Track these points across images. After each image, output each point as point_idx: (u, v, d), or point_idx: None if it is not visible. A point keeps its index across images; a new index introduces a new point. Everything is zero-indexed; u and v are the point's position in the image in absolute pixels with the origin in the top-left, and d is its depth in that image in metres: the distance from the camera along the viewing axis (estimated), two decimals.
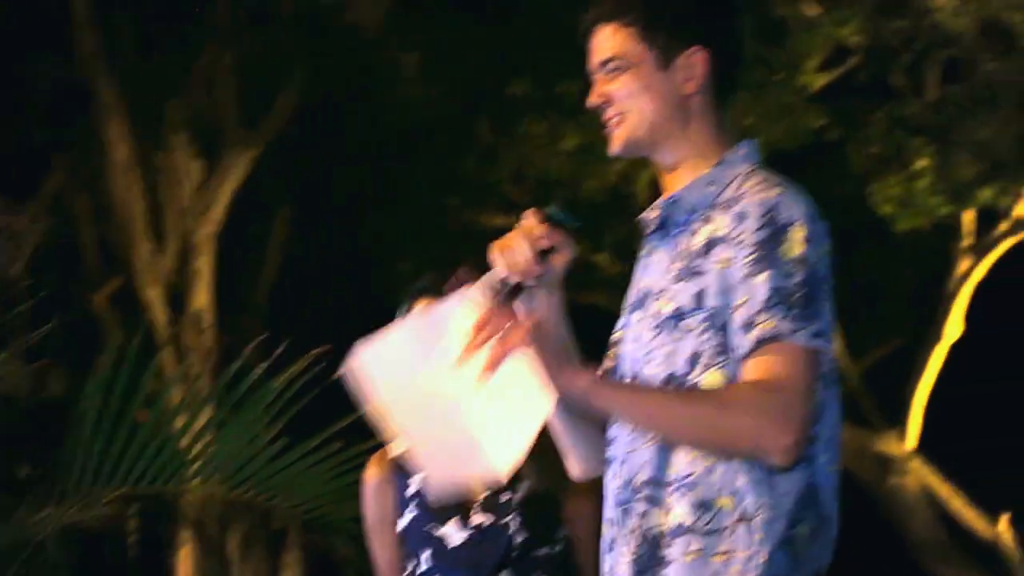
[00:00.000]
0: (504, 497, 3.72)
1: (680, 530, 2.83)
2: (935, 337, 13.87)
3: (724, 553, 2.80)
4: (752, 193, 2.87)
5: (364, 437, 4.50)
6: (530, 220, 2.97)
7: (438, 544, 3.74)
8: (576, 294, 13.73)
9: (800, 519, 2.82)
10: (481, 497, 3.74)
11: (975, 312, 13.88)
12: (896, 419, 14.16)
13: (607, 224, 13.29)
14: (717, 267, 2.85)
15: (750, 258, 2.81)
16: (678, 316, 2.87)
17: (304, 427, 4.71)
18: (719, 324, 2.83)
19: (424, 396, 2.80)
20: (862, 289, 15.75)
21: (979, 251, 13.72)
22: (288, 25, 13.17)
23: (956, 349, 13.96)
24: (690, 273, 2.88)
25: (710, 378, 2.83)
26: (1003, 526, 13.90)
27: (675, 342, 2.87)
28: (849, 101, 13.66)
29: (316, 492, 4.61)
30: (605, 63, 2.97)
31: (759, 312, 2.79)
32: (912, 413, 13.99)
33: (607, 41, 2.98)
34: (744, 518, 2.80)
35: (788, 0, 12.80)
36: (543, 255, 2.97)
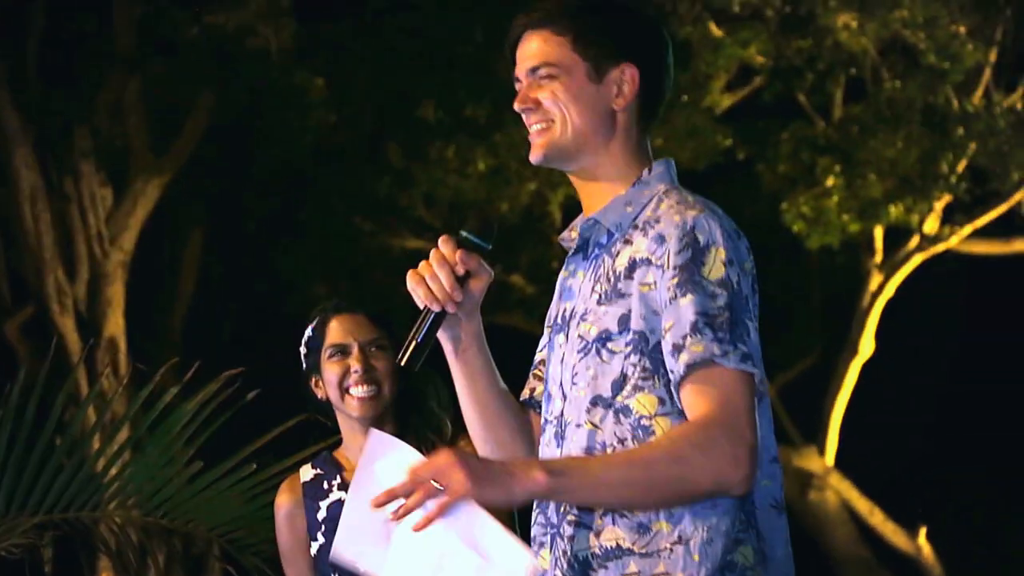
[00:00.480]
0: None
1: (616, 552, 2.81)
2: (850, 353, 13.99)
3: (661, 574, 2.79)
4: (670, 215, 2.86)
5: (277, 458, 4.50)
6: (445, 247, 2.94)
7: (347, 571, 3.73)
8: (492, 316, 13.77)
9: (740, 540, 2.81)
10: None
11: (886, 328, 14.03)
12: (813, 435, 14.28)
13: (521, 245, 13.32)
14: (641, 290, 2.83)
15: (673, 281, 2.80)
16: (603, 339, 2.86)
17: (218, 450, 4.70)
18: (645, 347, 2.82)
19: (410, 552, 2.73)
20: (775, 307, 15.87)
21: (890, 267, 13.88)
22: (194, 50, 13.12)
23: (868, 365, 14.10)
24: (614, 295, 2.87)
25: (639, 400, 2.82)
26: (922, 539, 14.05)
27: (600, 364, 2.86)
28: (755, 121, 13.79)
29: (232, 515, 4.58)
30: (535, 69, 2.95)
31: (686, 336, 2.77)
32: (830, 429, 14.11)
33: (539, 47, 2.95)
34: (682, 539, 2.79)
35: (693, 21, 12.90)
36: (461, 281, 2.94)
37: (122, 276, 12.89)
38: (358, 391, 3.76)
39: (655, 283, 2.82)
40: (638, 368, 2.82)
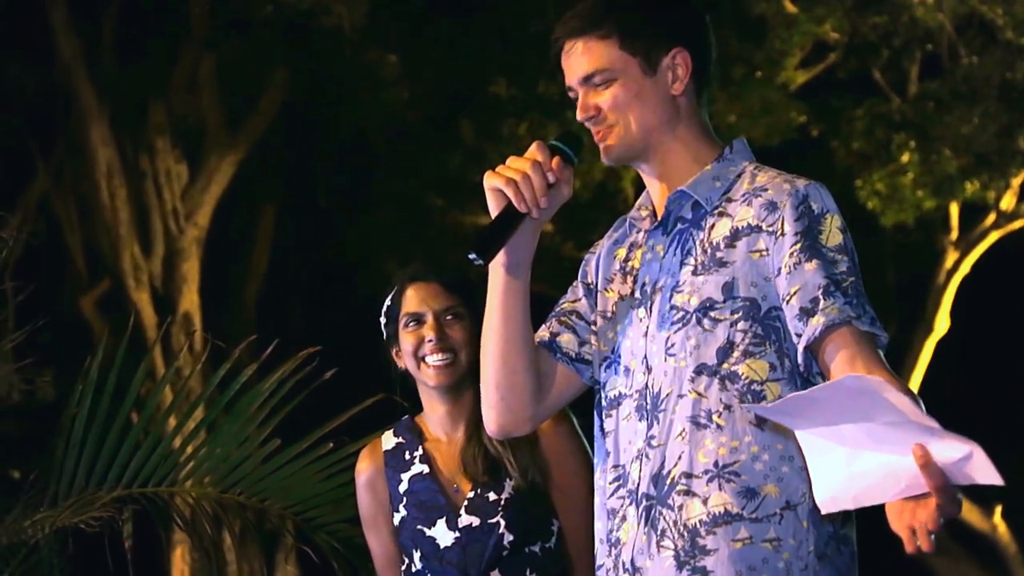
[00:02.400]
0: (491, 497, 3.69)
1: (725, 517, 2.83)
2: (925, 330, 13.92)
3: (772, 540, 2.81)
4: (777, 184, 2.90)
5: (355, 438, 4.51)
6: (541, 153, 2.93)
7: (429, 544, 3.72)
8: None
9: (849, 515, 2.86)
10: (467, 499, 3.72)
11: (961, 306, 13.94)
12: None
13: (594, 221, 13.31)
14: (751, 256, 2.86)
15: (796, 247, 2.83)
16: (706, 308, 2.87)
17: (295, 428, 4.72)
18: (756, 313, 2.85)
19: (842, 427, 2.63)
20: None
21: (966, 245, 13.78)
22: (268, 28, 13.18)
23: (943, 342, 14.02)
24: (714, 265, 2.88)
25: (749, 366, 2.85)
26: (997, 518, 13.97)
27: (703, 333, 2.87)
28: (830, 98, 13.70)
29: (308, 493, 4.60)
30: (589, 77, 2.95)
31: (817, 299, 2.80)
32: None
33: (586, 56, 2.95)
34: (790, 505, 2.82)
35: None
36: (549, 188, 2.93)
37: (197, 252, 12.99)
38: (433, 359, 3.73)
39: (766, 249, 2.86)
40: (748, 334, 2.85)
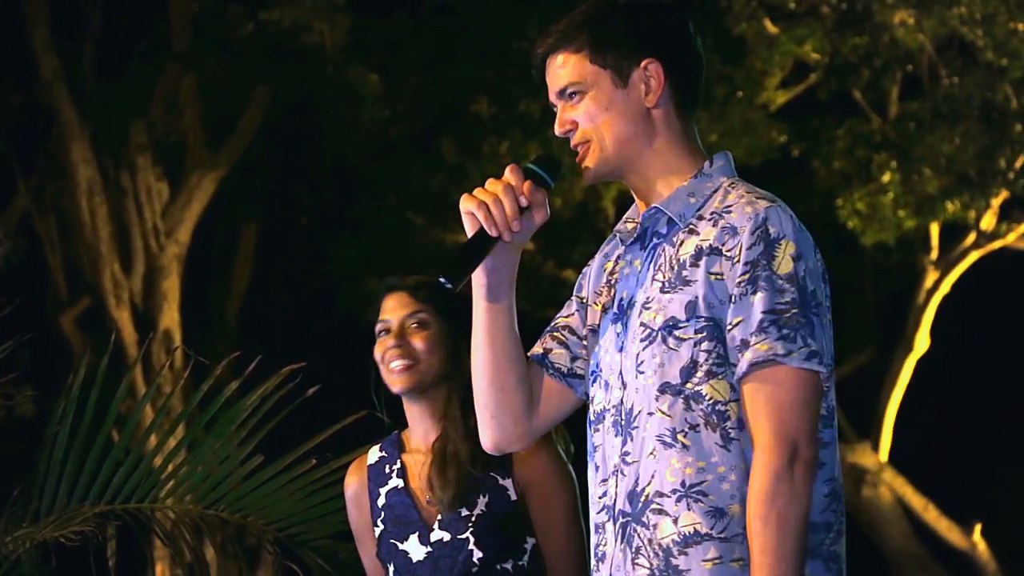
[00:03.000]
0: (463, 512, 3.69)
1: (695, 537, 2.82)
2: (904, 350, 13.95)
3: (739, 560, 2.81)
4: (741, 206, 2.87)
5: (338, 454, 4.51)
6: (514, 176, 2.93)
7: (402, 559, 3.73)
8: (545, 310, 13.78)
9: (841, 532, 2.88)
10: (440, 513, 3.72)
11: (941, 324, 13.97)
12: (867, 431, 14.24)
13: (574, 240, 13.33)
14: (709, 278, 2.84)
15: (744, 277, 2.81)
16: (670, 326, 2.86)
17: (278, 445, 4.71)
18: (719, 334, 2.84)
19: None
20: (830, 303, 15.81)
21: (946, 264, 13.81)
22: (250, 46, 13.19)
23: (923, 361, 14.05)
24: (679, 283, 2.87)
25: (712, 386, 2.84)
26: (977, 536, 13.99)
27: (667, 352, 2.86)
28: (811, 117, 13.75)
29: (291, 510, 4.59)
30: (563, 91, 2.96)
31: (753, 333, 2.79)
32: (884, 425, 14.07)
33: (561, 70, 2.96)
34: None
35: (748, 17, 12.87)
36: (521, 212, 2.93)
37: (177, 269, 12.98)
38: (392, 364, 3.75)
39: (723, 274, 2.84)
40: (712, 355, 2.84)
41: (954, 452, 15.05)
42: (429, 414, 3.77)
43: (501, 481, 3.70)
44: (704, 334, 2.84)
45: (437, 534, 3.70)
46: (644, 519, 2.87)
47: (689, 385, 2.85)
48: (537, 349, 3.07)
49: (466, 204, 2.91)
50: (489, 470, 3.69)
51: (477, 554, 3.67)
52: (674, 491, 2.84)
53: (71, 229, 13.09)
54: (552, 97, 2.99)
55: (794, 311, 2.80)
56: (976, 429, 15.17)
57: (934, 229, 13.73)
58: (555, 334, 3.08)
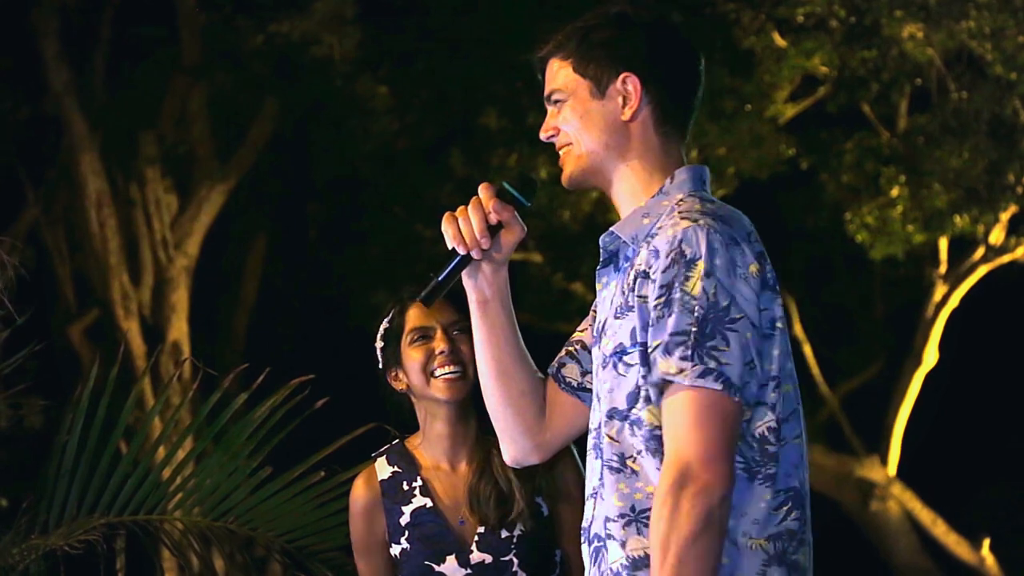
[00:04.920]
0: (503, 534, 3.66)
1: (643, 561, 2.83)
2: (913, 364, 13.93)
3: None
4: (666, 226, 2.85)
5: (345, 466, 4.51)
6: (484, 193, 3.00)
7: None
8: (553, 323, 13.78)
9: (804, 541, 2.84)
10: (477, 535, 3.69)
11: (950, 338, 13.96)
12: (875, 445, 14.22)
13: (582, 253, 13.33)
14: (639, 302, 2.84)
15: (659, 300, 2.80)
16: (619, 353, 2.87)
17: (285, 457, 4.71)
18: (648, 359, 2.83)
19: None
20: (838, 317, 15.81)
21: (954, 279, 13.80)
22: (259, 58, 13.20)
23: (932, 375, 14.03)
24: (626, 309, 2.88)
25: (650, 411, 2.83)
26: (986, 551, 13.96)
27: (616, 378, 2.87)
28: (819, 131, 13.74)
29: (300, 522, 4.59)
30: (549, 97, 3.00)
31: (659, 355, 2.79)
32: (892, 439, 14.05)
33: (550, 76, 3.01)
34: None
35: (756, 31, 12.87)
36: (492, 230, 2.99)
37: (186, 281, 12.98)
38: (444, 371, 3.66)
39: (648, 296, 2.83)
40: (647, 381, 2.84)
41: (963, 466, 15.02)
42: (459, 426, 3.71)
43: (535, 499, 3.68)
44: (640, 360, 2.84)
45: (477, 556, 3.66)
46: (606, 544, 2.89)
47: (633, 411, 2.85)
48: (553, 364, 3.11)
49: (443, 224, 3.00)
50: (526, 490, 3.66)
51: (521, 575, 3.65)
52: (621, 515, 2.85)
53: (80, 241, 13.10)
54: (545, 101, 3.03)
55: (697, 329, 2.76)
56: (985, 443, 15.14)
57: (943, 243, 13.72)
58: (569, 348, 3.12)
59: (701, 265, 2.78)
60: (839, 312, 15.83)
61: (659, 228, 2.85)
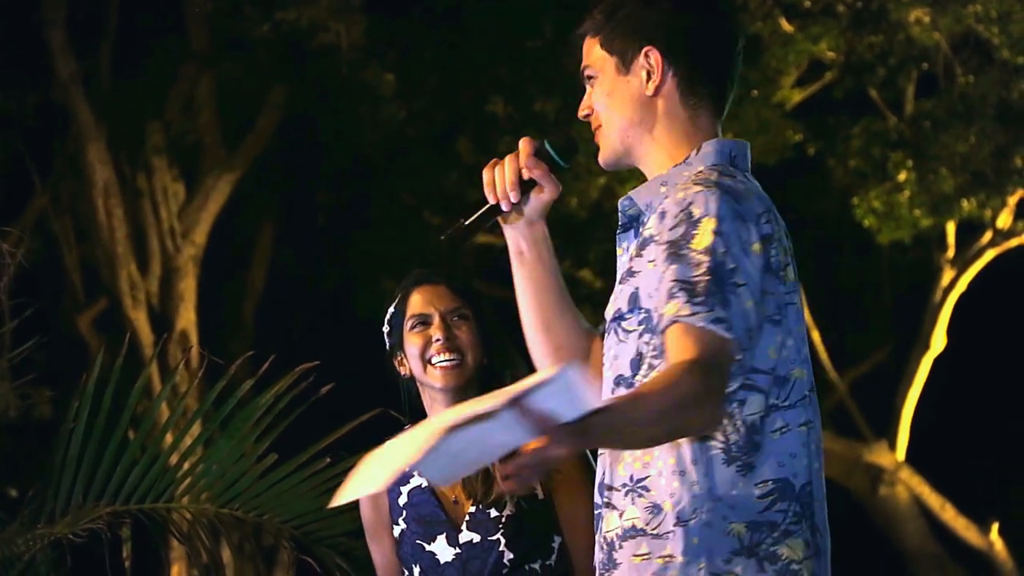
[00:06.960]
0: (492, 513, 3.67)
1: (632, 532, 2.82)
2: (921, 348, 13.93)
3: (666, 557, 2.78)
4: (676, 192, 2.84)
5: (352, 452, 4.52)
6: (524, 147, 3.03)
7: (429, 560, 3.71)
8: None
9: (790, 532, 2.78)
10: (468, 515, 3.71)
11: (958, 323, 13.96)
12: (884, 430, 14.22)
13: (590, 240, 13.33)
14: (648, 267, 2.82)
15: (662, 256, 2.78)
16: (618, 318, 2.87)
17: (292, 443, 4.73)
18: (653, 325, 2.80)
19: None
20: (846, 302, 15.80)
21: (962, 263, 13.79)
22: (266, 47, 13.20)
23: (940, 360, 14.03)
24: (628, 275, 2.88)
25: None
26: (994, 535, 13.97)
27: (618, 344, 2.86)
28: (826, 116, 13.73)
29: (307, 508, 4.61)
30: (582, 73, 3.01)
31: (663, 301, 2.75)
32: (900, 424, 14.05)
33: (585, 53, 3.01)
34: (680, 520, 2.77)
35: (763, 16, 12.85)
36: (526, 185, 3.02)
37: (194, 270, 13.00)
38: (440, 359, 3.69)
39: (655, 260, 2.81)
40: (650, 346, 2.81)
41: (971, 451, 15.02)
42: None
43: None
44: (644, 326, 2.82)
45: (466, 535, 3.68)
46: (602, 512, 2.89)
47: (637, 377, 2.83)
48: (601, 324, 3.07)
49: (484, 170, 3.04)
50: None
51: (508, 555, 3.66)
52: (623, 485, 2.84)
53: (88, 230, 13.11)
54: (581, 79, 3.04)
55: (707, 280, 2.73)
56: (993, 428, 15.14)
57: (950, 228, 13.72)
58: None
59: (711, 222, 2.76)
60: (847, 297, 15.83)
61: (666, 196, 2.86)
